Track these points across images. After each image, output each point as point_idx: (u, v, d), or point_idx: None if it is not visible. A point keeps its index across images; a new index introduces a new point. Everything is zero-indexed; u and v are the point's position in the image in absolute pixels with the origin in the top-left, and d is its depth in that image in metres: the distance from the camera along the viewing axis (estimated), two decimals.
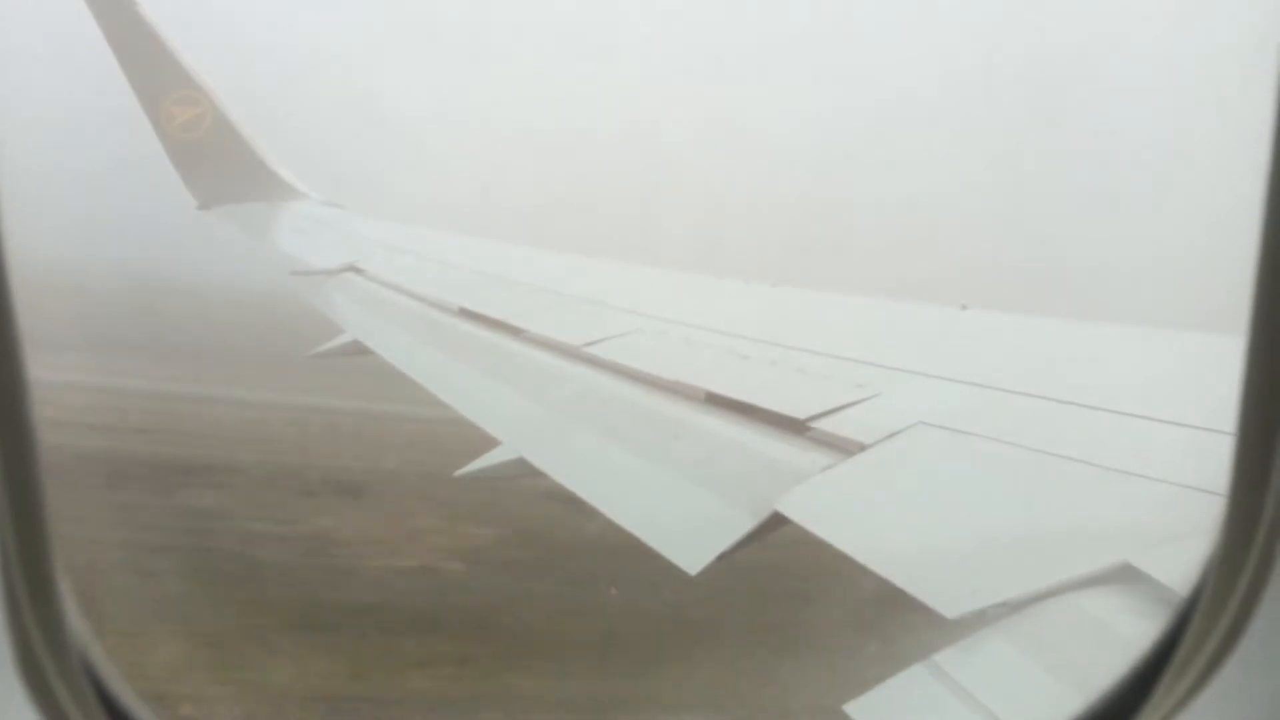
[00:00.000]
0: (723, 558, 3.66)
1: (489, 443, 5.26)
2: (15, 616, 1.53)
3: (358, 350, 7.69)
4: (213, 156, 12.81)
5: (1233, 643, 1.46)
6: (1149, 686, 1.61)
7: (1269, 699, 1.42)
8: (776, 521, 3.71)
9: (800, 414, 4.39)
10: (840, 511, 3.66)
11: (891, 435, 3.95)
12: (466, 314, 7.45)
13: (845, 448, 4.02)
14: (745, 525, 3.70)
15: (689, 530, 4.00)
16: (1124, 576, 2.57)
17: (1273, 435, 1.43)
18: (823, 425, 4.27)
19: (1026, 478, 3.46)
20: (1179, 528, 2.63)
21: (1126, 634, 2.34)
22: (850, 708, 2.56)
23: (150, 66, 12.78)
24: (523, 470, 4.94)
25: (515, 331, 6.77)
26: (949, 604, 2.71)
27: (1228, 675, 1.46)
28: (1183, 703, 1.50)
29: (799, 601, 9.05)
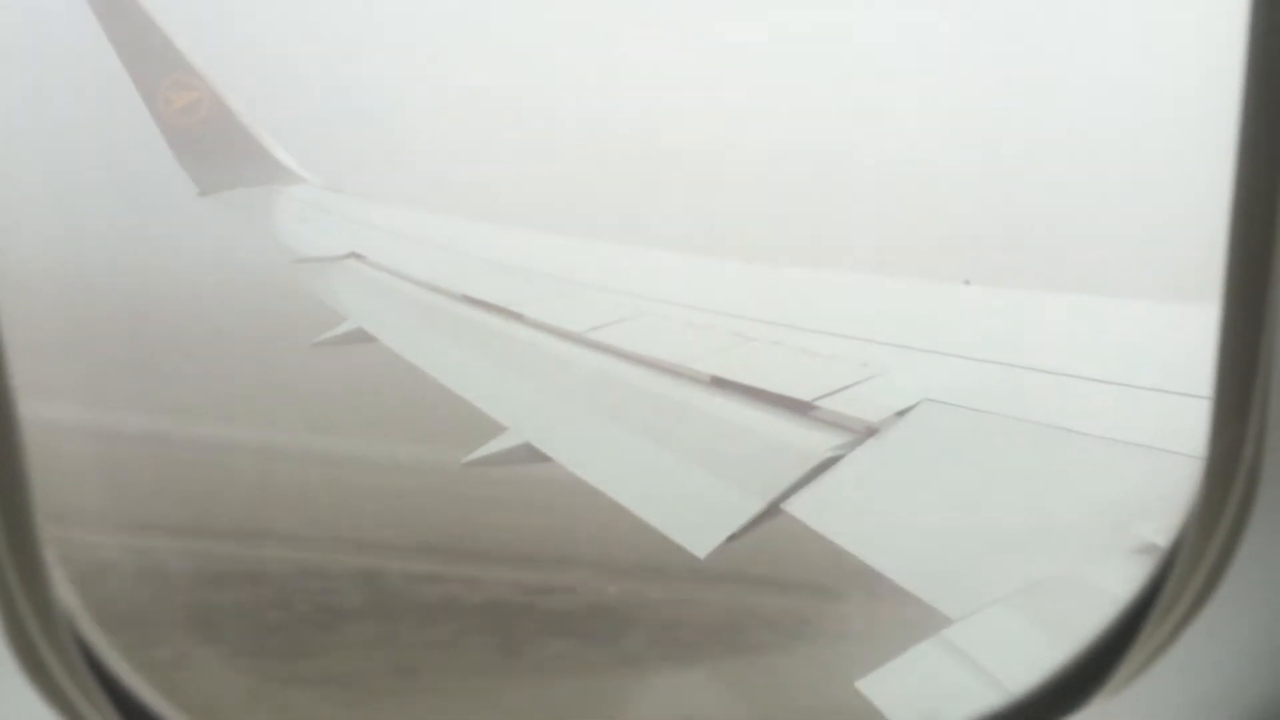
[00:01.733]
0: (731, 540, 3.70)
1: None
2: (4, 592, 1.56)
3: (360, 338, 7.70)
4: (211, 141, 12.75)
5: (1211, 589, 1.54)
6: (1132, 634, 1.68)
7: (1246, 641, 1.49)
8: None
9: (806, 395, 4.41)
10: (849, 510, 3.67)
11: (898, 414, 3.98)
12: (470, 300, 7.46)
13: (852, 427, 4.05)
14: (753, 508, 3.73)
15: (696, 514, 4.03)
16: (1138, 548, 2.60)
17: (1248, 389, 1.50)
18: (829, 405, 4.30)
19: (1035, 453, 3.49)
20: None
21: None
22: (863, 684, 2.60)
23: (145, 51, 12.71)
24: (529, 456, 4.97)
25: (518, 317, 6.78)
26: (959, 606, 2.73)
27: (1207, 619, 1.53)
28: (1164, 646, 1.57)
29: None
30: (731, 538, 3.68)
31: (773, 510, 3.72)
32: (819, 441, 4.01)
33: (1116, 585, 2.47)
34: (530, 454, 4.98)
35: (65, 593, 1.68)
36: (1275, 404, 1.46)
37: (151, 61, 12.72)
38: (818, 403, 4.33)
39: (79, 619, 1.73)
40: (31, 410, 1.59)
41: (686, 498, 4.24)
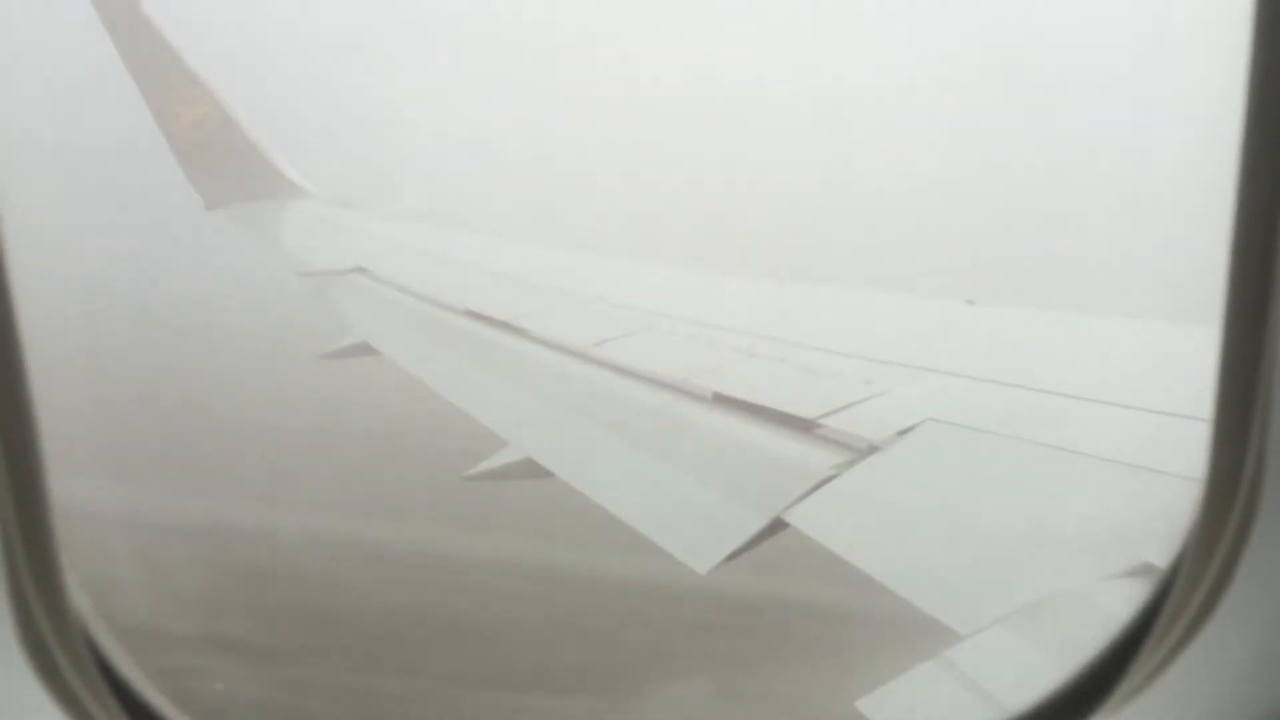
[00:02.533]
0: (732, 557, 3.70)
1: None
2: (17, 591, 1.58)
3: (364, 351, 7.73)
4: (219, 156, 12.85)
5: (1210, 609, 1.54)
6: (1130, 654, 1.69)
7: (1244, 661, 1.49)
8: (783, 522, 3.74)
9: (808, 413, 4.41)
10: (850, 521, 3.68)
11: (900, 433, 3.98)
12: (473, 314, 7.48)
13: (854, 445, 4.05)
14: (754, 525, 3.73)
15: (698, 530, 4.04)
16: (1137, 570, 2.60)
17: (1248, 410, 1.51)
18: (831, 423, 4.30)
19: (1037, 474, 3.49)
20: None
21: None
22: (863, 704, 2.59)
23: (155, 66, 12.83)
24: (531, 471, 4.97)
25: (521, 332, 6.80)
26: (963, 620, 2.73)
27: (1206, 639, 1.54)
28: (1163, 666, 1.57)
29: None
30: (732, 555, 3.68)
31: (774, 527, 3.72)
32: (821, 459, 4.02)
33: (1117, 605, 2.47)
34: (532, 469, 4.98)
35: (78, 596, 1.70)
36: (1275, 425, 1.47)
37: (160, 76, 12.83)
38: (820, 420, 4.33)
39: (91, 622, 1.75)
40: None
41: (688, 514, 4.24)
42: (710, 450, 4.72)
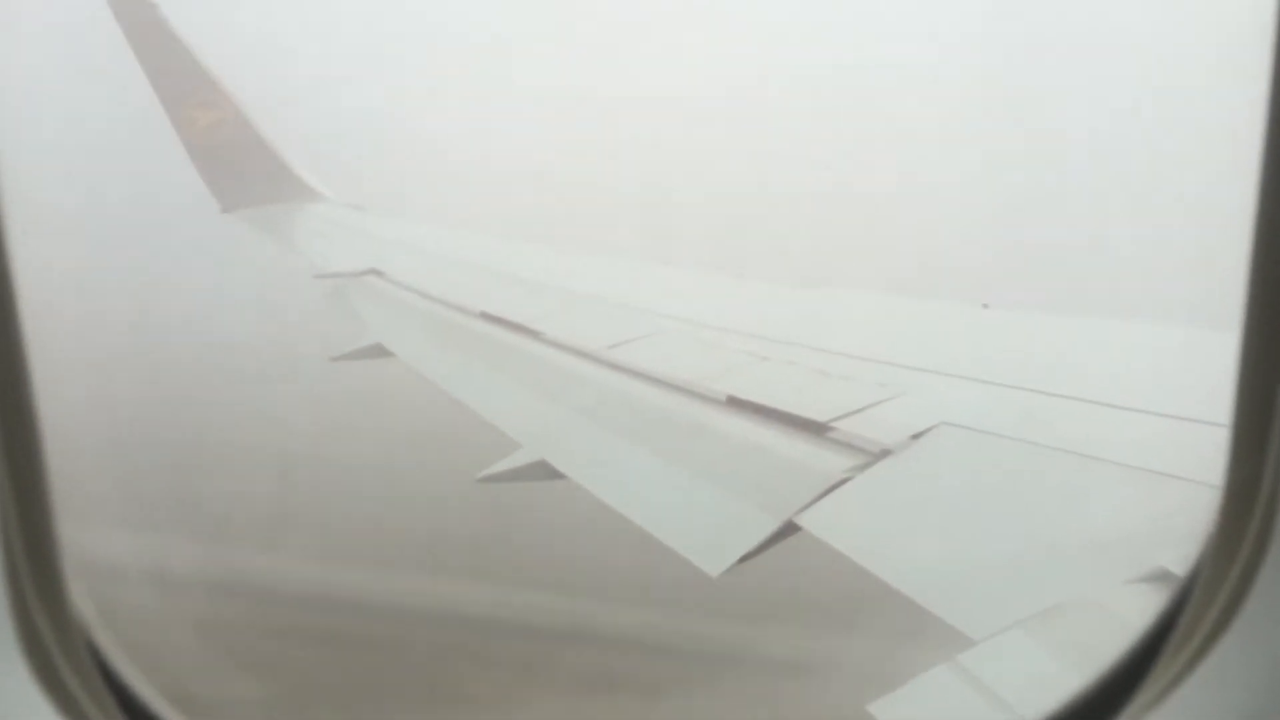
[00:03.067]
0: (744, 560, 3.69)
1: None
2: (19, 598, 1.57)
3: (377, 353, 7.76)
4: (235, 159, 12.94)
5: (1229, 619, 1.52)
6: (1148, 663, 1.67)
7: (1264, 672, 1.48)
8: (795, 525, 3.73)
9: (821, 416, 4.40)
10: (863, 525, 3.67)
11: (914, 436, 3.97)
12: (487, 316, 7.51)
13: (867, 449, 4.03)
14: (767, 528, 3.73)
15: (711, 533, 4.03)
16: (1154, 576, 2.58)
17: (1268, 418, 1.50)
18: (844, 426, 4.29)
19: (1053, 479, 3.47)
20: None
21: None
22: (874, 708, 2.59)
23: (172, 70, 12.93)
24: (544, 473, 4.98)
25: (535, 334, 6.82)
26: (976, 625, 2.72)
27: (1224, 650, 1.52)
28: (1181, 676, 1.56)
29: None
30: (745, 558, 3.67)
31: (787, 530, 3.71)
32: (835, 463, 4.01)
33: (1134, 613, 2.45)
34: (545, 471, 4.99)
35: (81, 601, 1.70)
36: None
37: (178, 80, 12.93)
38: (833, 424, 4.32)
39: (94, 628, 1.74)
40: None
41: (701, 517, 4.24)
42: (723, 453, 4.72)
